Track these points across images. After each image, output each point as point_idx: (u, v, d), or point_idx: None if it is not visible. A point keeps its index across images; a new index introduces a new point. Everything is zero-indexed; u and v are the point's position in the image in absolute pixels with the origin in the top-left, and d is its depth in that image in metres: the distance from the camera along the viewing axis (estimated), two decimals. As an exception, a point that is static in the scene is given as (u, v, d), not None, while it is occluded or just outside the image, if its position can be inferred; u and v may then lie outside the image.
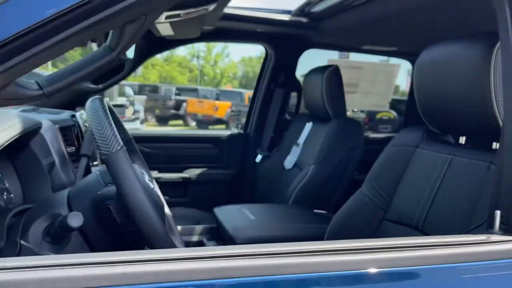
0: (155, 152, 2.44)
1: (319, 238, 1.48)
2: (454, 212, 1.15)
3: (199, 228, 1.76)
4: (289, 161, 2.28)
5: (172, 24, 1.81)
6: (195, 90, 16.70)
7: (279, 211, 1.78)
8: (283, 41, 2.33)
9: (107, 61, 0.73)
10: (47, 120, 1.21)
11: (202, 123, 14.17)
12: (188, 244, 1.70)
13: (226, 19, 1.97)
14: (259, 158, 2.50)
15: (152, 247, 0.81)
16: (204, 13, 1.57)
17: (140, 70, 15.93)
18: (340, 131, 1.98)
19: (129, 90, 2.43)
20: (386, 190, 1.40)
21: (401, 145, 1.41)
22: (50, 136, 1.17)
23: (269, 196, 2.27)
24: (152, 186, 0.98)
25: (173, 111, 14.97)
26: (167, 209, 1.19)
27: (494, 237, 0.74)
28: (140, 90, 17.11)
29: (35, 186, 1.09)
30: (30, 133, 1.04)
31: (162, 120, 15.53)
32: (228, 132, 2.59)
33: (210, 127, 13.58)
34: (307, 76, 2.22)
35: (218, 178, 2.53)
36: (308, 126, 2.26)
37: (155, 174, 2.44)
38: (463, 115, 1.14)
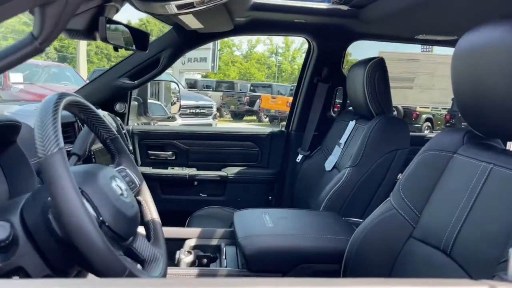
0: (194, 149, 2.39)
1: (340, 251, 1.31)
2: (487, 237, 0.92)
3: (220, 231, 1.66)
4: (329, 162, 2.10)
5: (197, 16, 1.73)
6: (269, 86, 16.76)
7: (304, 218, 1.62)
8: (325, 32, 2.15)
9: (30, 51, 0.66)
10: (42, 117, 1.18)
11: (275, 119, 14.18)
12: (205, 248, 1.61)
13: (258, 9, 1.84)
14: (299, 157, 2.34)
15: (92, 268, 0.72)
16: (221, 1, 1.46)
17: (217, 66, 16.26)
18: (381, 131, 1.76)
19: (175, 86, 2.43)
20: (416, 203, 1.19)
21: (436, 149, 1.19)
22: (44, 133, 1.15)
23: (307, 199, 2.11)
24: (119, 192, 0.89)
25: (247, 107, 15.17)
26: (154, 216, 1.10)
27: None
28: (217, 86, 17.61)
29: (19, 185, 1.06)
30: (9, 130, 1.01)
31: (237, 116, 15.82)
32: (269, 130, 2.46)
33: (283, 123, 13.52)
34: (350, 70, 2.01)
35: (257, 178, 2.42)
36: (351, 124, 2.05)
37: (193, 171, 2.39)
38: (507, 114, 0.91)
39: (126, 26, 1.51)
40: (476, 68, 0.96)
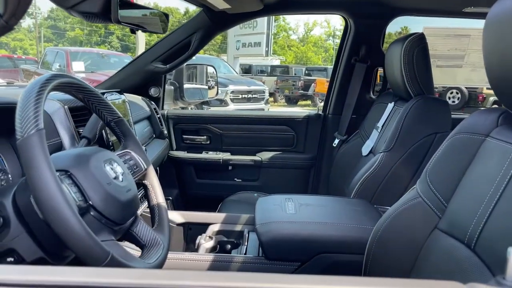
0: (228, 133, 2.37)
1: (364, 241, 1.23)
2: (513, 232, 0.81)
3: (245, 217, 1.63)
4: (366, 147, 1.98)
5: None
6: (325, 69, 16.40)
7: (330, 205, 1.54)
8: (361, 8, 2.00)
9: (-5, 29, 0.64)
10: (56, 101, 1.20)
11: (330, 103, 13.85)
12: (229, 234, 1.59)
13: (287, -14, 1.75)
14: (336, 142, 2.23)
15: (74, 252, 0.71)
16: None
17: (271, 51, 16.09)
18: (417, 113, 1.61)
19: (212, 70, 2.38)
20: (443, 191, 1.08)
21: (467, 132, 1.07)
22: (58, 117, 1.16)
23: (342, 186, 2.01)
24: (113, 176, 0.87)
25: (301, 92, 14.98)
26: (160, 200, 1.09)
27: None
28: (271, 71, 17.53)
29: None
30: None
31: (291, 100, 15.67)
32: (305, 113, 2.37)
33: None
34: (388, 48, 1.87)
35: (292, 163, 2.35)
36: (390, 106, 1.92)
37: (227, 156, 2.37)
38: None
39: (145, 8, 1.50)
40: (506, 37, 0.83)
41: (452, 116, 1.63)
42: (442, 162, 1.11)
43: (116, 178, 0.88)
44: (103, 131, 1.31)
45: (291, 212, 1.41)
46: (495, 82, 0.92)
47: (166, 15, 1.55)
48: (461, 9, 1.89)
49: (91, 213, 0.79)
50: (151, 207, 1.07)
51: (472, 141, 1.03)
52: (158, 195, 1.08)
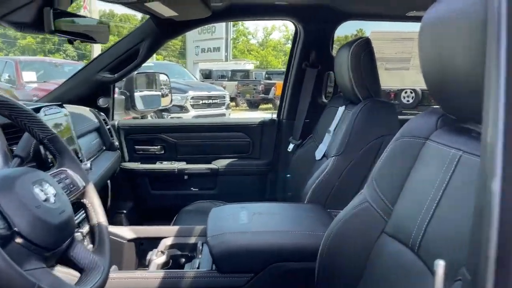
0: (182, 142, 2.32)
1: (316, 248, 1.23)
2: (454, 235, 0.82)
3: (199, 228, 1.59)
4: (319, 151, 1.99)
5: (167, 3, 1.64)
6: (283, 73, 16.53)
7: (283, 212, 1.53)
8: (309, 13, 2.02)
9: None
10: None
11: (291, 106, 13.98)
12: (183, 247, 1.55)
13: (234, -7, 1.74)
14: (291, 147, 2.24)
15: None
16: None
17: (230, 55, 16.12)
18: (365, 116, 1.64)
19: (166, 78, 2.33)
20: (389, 195, 1.09)
21: (408, 136, 1.08)
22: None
23: (298, 191, 2.02)
24: (43, 198, 0.82)
25: (262, 95, 15.05)
26: (101, 219, 1.03)
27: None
28: (232, 75, 17.52)
29: None
30: None
31: (253, 104, 15.71)
32: (259, 119, 2.37)
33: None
34: (337, 53, 1.89)
35: (249, 169, 2.34)
36: (341, 110, 1.94)
37: (182, 165, 2.33)
38: (471, 92, 0.79)
39: (83, 17, 1.44)
40: (439, 41, 0.85)
41: (402, 117, 1.67)
42: (387, 166, 1.12)
43: (46, 200, 0.83)
44: (41, 147, 1.24)
45: (243, 222, 1.39)
46: (432, 86, 0.93)
47: (106, 26, 1.50)
48: (405, 14, 1.94)
49: (16, 240, 0.74)
50: (91, 227, 1.02)
51: (413, 144, 1.04)
52: (98, 213, 1.03)
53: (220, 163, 2.33)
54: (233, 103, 15.05)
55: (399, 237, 0.99)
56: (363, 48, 1.69)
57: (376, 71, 1.74)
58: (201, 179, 2.34)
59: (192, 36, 15.05)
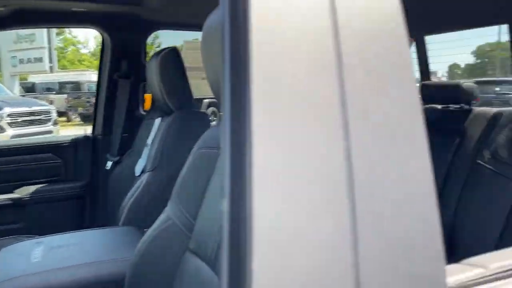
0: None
1: (122, 275, 1.12)
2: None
3: None
4: (139, 166, 1.88)
5: None
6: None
7: (89, 241, 1.38)
8: (114, 22, 1.90)
9: None
10: None
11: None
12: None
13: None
14: (109, 164, 2.07)
15: None
16: None
17: (56, 66, 14.76)
18: (178, 127, 1.60)
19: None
20: (190, 209, 1.05)
21: (204, 147, 1.06)
22: None
23: (118, 212, 1.86)
24: None
25: (98, 108, 14.08)
26: None
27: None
28: (60, 88, 15.95)
29: None
30: None
31: (88, 118, 14.55)
32: (71, 137, 2.13)
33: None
34: (148, 63, 1.81)
35: (61, 195, 2.08)
36: (157, 122, 1.86)
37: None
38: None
39: None
40: (212, 52, 0.84)
41: None
42: (187, 179, 1.08)
43: None
44: None
45: (36, 260, 1.19)
46: (215, 95, 0.92)
47: None
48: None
49: None
50: None
51: (210, 155, 1.02)
52: None
53: (25, 191, 2.01)
54: (64, 118, 13.74)
55: (199, 253, 0.96)
56: (171, 58, 1.65)
57: (187, 81, 1.72)
58: (2, 212, 1.99)
59: (5, 45, 13.25)
